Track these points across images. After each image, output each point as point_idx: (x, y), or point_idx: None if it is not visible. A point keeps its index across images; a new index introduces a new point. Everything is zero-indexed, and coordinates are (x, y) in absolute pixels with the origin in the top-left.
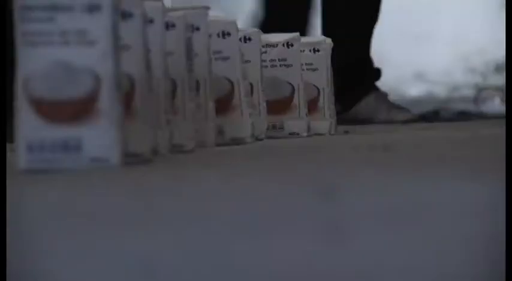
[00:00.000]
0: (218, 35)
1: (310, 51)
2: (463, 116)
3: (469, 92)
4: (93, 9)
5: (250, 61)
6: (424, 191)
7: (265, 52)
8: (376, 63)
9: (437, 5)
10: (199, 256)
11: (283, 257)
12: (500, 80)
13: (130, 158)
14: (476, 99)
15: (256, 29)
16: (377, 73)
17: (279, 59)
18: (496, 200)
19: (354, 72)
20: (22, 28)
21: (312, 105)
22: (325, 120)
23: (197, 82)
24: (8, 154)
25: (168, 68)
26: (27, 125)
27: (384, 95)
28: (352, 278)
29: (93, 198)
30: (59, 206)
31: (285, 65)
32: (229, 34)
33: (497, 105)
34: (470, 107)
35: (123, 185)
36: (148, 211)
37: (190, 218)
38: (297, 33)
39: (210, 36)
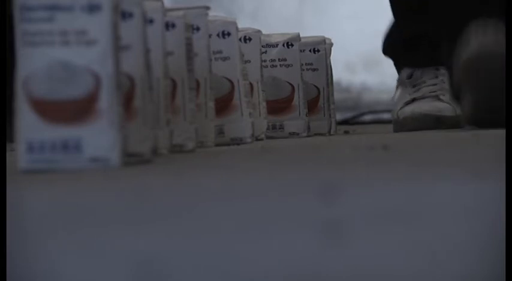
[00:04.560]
0: (218, 35)
1: (310, 51)
2: None
3: None
4: (93, 9)
5: (250, 61)
6: (424, 191)
7: (265, 52)
8: (378, 63)
9: None
10: (199, 256)
11: (283, 257)
12: None
13: (130, 158)
14: None
15: (256, 29)
16: None
17: (279, 59)
18: (495, 200)
19: None
20: (22, 28)
21: (312, 105)
22: (325, 120)
23: (197, 82)
24: (8, 154)
25: (168, 68)
26: (27, 125)
27: None
28: (351, 279)
29: (93, 198)
30: (58, 206)
31: (285, 65)
32: (229, 34)
33: None
34: None
35: (123, 185)
36: (149, 211)
37: (191, 218)
38: (297, 33)
39: (210, 36)
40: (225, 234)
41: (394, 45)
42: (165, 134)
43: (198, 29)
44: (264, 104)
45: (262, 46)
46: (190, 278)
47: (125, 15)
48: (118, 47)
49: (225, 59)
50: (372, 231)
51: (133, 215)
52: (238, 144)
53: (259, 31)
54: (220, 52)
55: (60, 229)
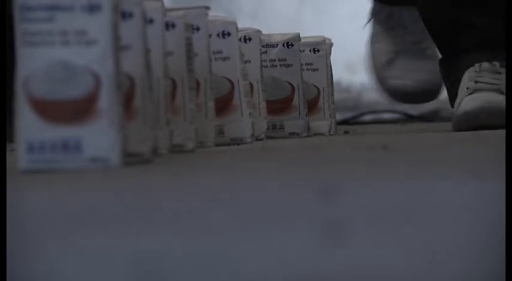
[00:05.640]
0: (218, 35)
1: (310, 51)
2: None
3: None
4: (93, 9)
5: (250, 61)
6: (424, 191)
7: (265, 52)
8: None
9: None
10: (198, 256)
11: (283, 257)
12: None
13: (130, 158)
14: None
15: (256, 29)
16: None
17: (279, 59)
18: (495, 200)
19: None
20: (22, 28)
21: (312, 105)
22: (325, 120)
23: (197, 82)
24: (8, 154)
25: (168, 68)
26: (27, 125)
27: None
28: (351, 279)
29: (93, 198)
30: (58, 206)
31: (285, 65)
32: (229, 34)
33: None
34: None
35: (123, 185)
36: (149, 211)
37: (190, 218)
38: (297, 33)
39: (210, 36)
40: (225, 234)
41: None
42: (165, 134)
43: (198, 29)
44: (264, 104)
45: (262, 46)
46: (190, 278)
47: (125, 15)
48: (118, 47)
49: (225, 59)
50: (372, 231)
51: (133, 215)
52: (238, 144)
53: (259, 31)
54: (220, 52)
55: (60, 229)
